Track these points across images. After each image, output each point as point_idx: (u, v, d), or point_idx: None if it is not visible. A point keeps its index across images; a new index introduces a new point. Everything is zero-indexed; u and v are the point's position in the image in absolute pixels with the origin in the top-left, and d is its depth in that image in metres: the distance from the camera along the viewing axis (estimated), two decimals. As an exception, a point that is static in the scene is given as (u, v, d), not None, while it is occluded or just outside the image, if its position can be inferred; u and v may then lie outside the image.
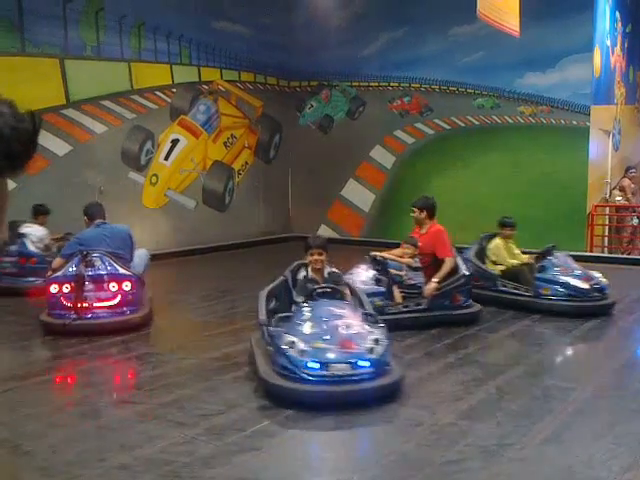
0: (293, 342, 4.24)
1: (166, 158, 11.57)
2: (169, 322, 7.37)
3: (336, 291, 4.90)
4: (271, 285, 5.30)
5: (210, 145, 12.30)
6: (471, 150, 11.96)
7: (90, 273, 6.16)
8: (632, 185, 11.78)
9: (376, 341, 4.31)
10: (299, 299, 5.02)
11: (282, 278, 5.33)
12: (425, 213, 6.73)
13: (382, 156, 12.95)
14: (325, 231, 13.06)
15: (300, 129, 13.89)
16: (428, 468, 3.35)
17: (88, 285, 6.13)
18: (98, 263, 6.23)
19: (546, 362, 4.95)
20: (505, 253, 7.60)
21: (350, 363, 4.17)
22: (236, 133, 12.84)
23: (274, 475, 3.35)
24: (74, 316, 6.01)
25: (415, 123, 12.61)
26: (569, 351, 5.80)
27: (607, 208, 11.71)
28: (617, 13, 11.68)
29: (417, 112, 12.59)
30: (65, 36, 9.96)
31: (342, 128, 13.37)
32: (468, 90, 11.98)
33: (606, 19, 11.26)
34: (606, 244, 11.66)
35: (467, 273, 6.50)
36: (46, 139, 9.65)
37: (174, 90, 11.68)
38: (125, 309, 6.29)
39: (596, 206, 11.21)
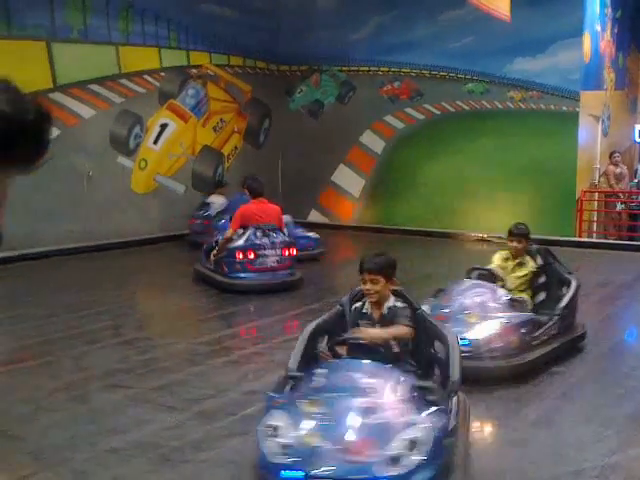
0: (275, 428, 2.79)
1: (155, 142, 11.48)
2: (159, 307, 7.37)
3: (374, 346, 3.35)
4: (322, 317, 3.74)
5: (199, 129, 12.22)
6: (461, 136, 11.95)
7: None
8: (617, 170, 11.81)
9: (412, 444, 2.64)
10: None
11: (338, 308, 3.79)
12: (248, 194, 7.75)
13: (372, 141, 12.92)
14: (316, 216, 13.06)
15: (290, 114, 13.82)
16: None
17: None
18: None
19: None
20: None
21: None
22: (225, 117, 12.76)
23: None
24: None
25: (405, 108, 12.58)
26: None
27: (596, 194, 11.76)
28: (607, -2, 11.68)
29: (407, 97, 12.55)
30: (52, 19, 9.82)
31: (332, 113, 13.32)
32: (458, 75, 11.95)
33: (596, 4, 11.24)
34: (594, 229, 11.73)
35: (233, 246, 7.25)
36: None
37: (162, 74, 11.56)
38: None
39: (585, 191, 11.26)
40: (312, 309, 6.23)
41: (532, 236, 9.75)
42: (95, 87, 10.50)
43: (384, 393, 2.89)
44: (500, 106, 11.65)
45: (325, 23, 13.09)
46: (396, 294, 3.60)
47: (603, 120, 11.94)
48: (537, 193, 11.07)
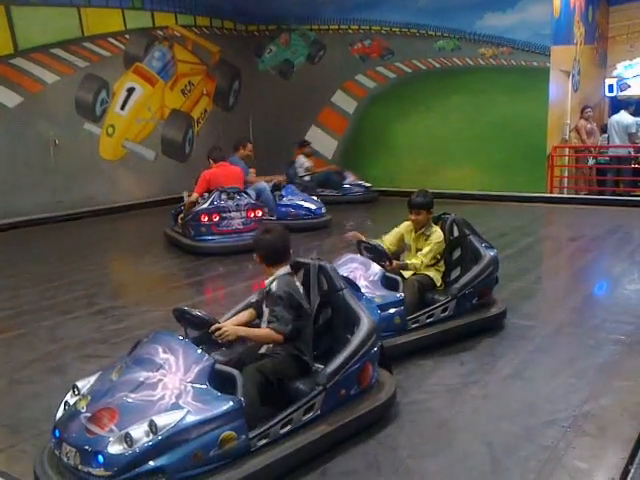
0: (76, 387, 2.87)
1: (122, 108, 11.25)
2: (132, 274, 7.32)
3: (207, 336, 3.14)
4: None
5: (167, 93, 11.99)
6: (433, 94, 11.89)
7: None
8: (588, 125, 11.88)
9: (152, 426, 2.49)
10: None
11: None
12: (211, 161, 8.05)
13: (344, 101, 12.81)
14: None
15: (260, 75, 13.61)
16: (392, 408, 3.41)
17: None
18: None
19: (507, 302, 5.04)
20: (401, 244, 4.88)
21: (82, 451, 2.51)
22: (193, 80, 12.52)
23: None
24: None
25: (376, 67, 12.45)
26: (528, 291, 5.92)
27: (566, 149, 11.83)
28: (577, -49, 11.57)
29: (378, 55, 12.42)
30: (9, -19, 9.48)
31: (303, 73, 13.14)
32: (429, 32, 11.83)
33: (566, -43, 11.15)
34: (566, 185, 11.83)
35: (198, 210, 7.45)
36: (-5, 90, 9.33)
37: (127, 36, 11.27)
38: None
39: (556, 147, 11.32)
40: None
41: (504, 193, 9.62)
42: (58, 51, 10.23)
43: (172, 372, 2.73)
44: (471, 63, 11.58)
45: (293, -20, 12.82)
46: (280, 278, 3.24)
47: (573, 75, 11.95)
48: (508, 149, 11.11)
